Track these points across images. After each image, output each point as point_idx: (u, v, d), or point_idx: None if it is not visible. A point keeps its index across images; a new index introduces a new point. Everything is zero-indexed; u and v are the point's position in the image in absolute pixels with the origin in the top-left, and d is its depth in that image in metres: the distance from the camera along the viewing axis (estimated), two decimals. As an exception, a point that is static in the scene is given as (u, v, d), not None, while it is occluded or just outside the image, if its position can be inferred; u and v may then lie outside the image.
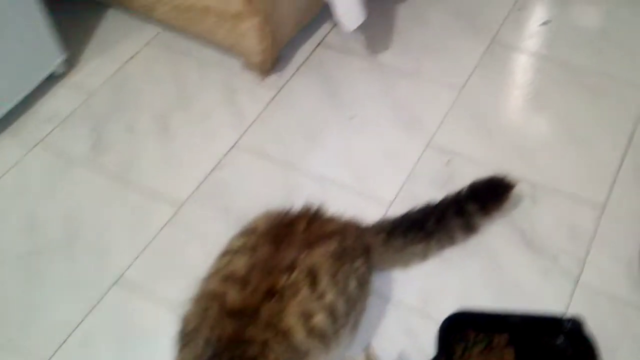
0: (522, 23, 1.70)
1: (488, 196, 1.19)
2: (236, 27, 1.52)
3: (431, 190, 1.32)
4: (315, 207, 1.08)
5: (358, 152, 1.46)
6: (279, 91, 1.60)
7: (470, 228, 1.19)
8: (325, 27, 1.73)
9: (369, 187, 1.38)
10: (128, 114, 1.57)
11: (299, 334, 0.93)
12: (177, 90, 1.61)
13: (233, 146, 1.48)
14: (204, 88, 1.61)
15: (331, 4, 1.45)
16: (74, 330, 1.19)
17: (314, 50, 1.68)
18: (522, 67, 1.60)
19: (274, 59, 1.60)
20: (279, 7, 1.51)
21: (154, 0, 1.62)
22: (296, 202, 1.11)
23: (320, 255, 0.98)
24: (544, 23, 1.69)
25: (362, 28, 1.63)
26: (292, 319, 0.93)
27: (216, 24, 1.55)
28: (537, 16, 1.71)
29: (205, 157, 1.46)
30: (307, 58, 1.67)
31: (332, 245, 1.00)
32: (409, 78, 1.60)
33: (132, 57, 1.70)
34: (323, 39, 1.71)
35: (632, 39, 1.63)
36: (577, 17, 1.70)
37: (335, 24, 1.69)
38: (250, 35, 1.51)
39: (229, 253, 1.03)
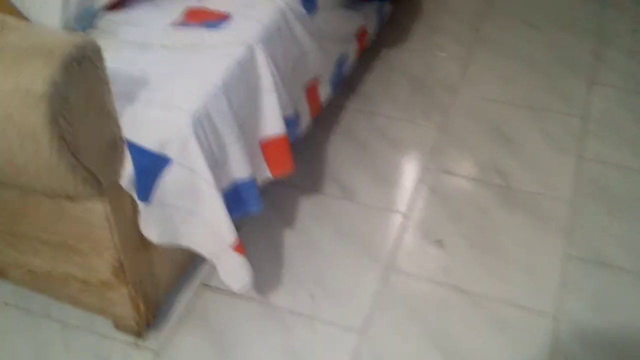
0: (414, 244, 1.63)
1: None
2: (104, 294, 1.33)
3: None
4: None
5: None
6: (158, 356, 1.39)
7: None
8: (207, 267, 1.57)
9: None
10: (-27, 408, 1.30)
11: None
12: (37, 368, 1.37)
13: None
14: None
15: (214, 264, 1.31)
16: None
17: (196, 294, 1.51)
18: (421, 298, 1.50)
19: (150, 319, 1.41)
20: (154, 268, 1.34)
21: (4, 264, 1.41)
22: None
23: None
24: (437, 242, 1.63)
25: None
26: None
27: (81, 290, 1.35)
28: (429, 234, 1.65)
29: None
30: (190, 306, 1.49)
31: None
32: (304, 322, 1.46)
33: (-20, 327, 1.45)
34: (206, 280, 1.55)
35: (528, 255, 1.59)
36: (468, 232, 1.65)
37: (218, 265, 1.54)
38: (121, 302, 1.32)
39: None
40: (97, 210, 1.14)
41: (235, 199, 1.31)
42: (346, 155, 1.88)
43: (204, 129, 1.16)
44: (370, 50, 2.21)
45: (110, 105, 1.07)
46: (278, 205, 1.73)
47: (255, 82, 1.33)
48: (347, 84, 2.09)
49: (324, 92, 1.74)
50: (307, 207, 1.73)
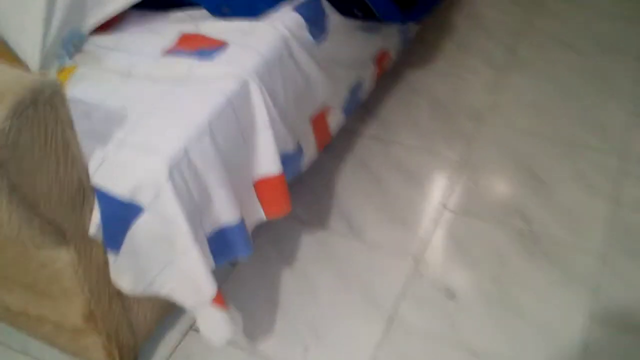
0: (423, 293, 1.49)
1: None
2: (77, 340, 1.24)
3: None
4: None
5: None
6: (135, 405, 1.30)
7: None
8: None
9: None
10: None
11: None
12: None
13: None
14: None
15: (195, 316, 1.20)
16: None
17: (181, 340, 1.41)
18: (426, 357, 1.37)
19: (129, 366, 1.32)
20: (131, 315, 1.24)
21: (-20, 298, 1.33)
22: None
23: None
24: (448, 293, 1.49)
25: (239, 308, 1.40)
26: None
27: (55, 332, 1.26)
28: (440, 283, 1.51)
29: None
30: (172, 350, 1.39)
31: None
32: (295, 377, 1.34)
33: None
34: (190, 323, 1.44)
35: (547, 312, 1.44)
36: (483, 283, 1.50)
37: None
38: (94, 349, 1.23)
39: None
40: (62, 258, 1.05)
41: (221, 243, 1.20)
42: (357, 187, 1.76)
43: (183, 174, 1.05)
44: (392, 69, 2.07)
45: (76, 149, 0.97)
46: (277, 239, 1.61)
47: (248, 118, 1.21)
48: (363, 106, 1.96)
49: (335, 120, 1.62)
50: (309, 244, 1.61)
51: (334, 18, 1.47)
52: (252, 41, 1.27)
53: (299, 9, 1.37)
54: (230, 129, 1.16)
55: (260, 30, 1.30)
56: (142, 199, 1.02)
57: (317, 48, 1.40)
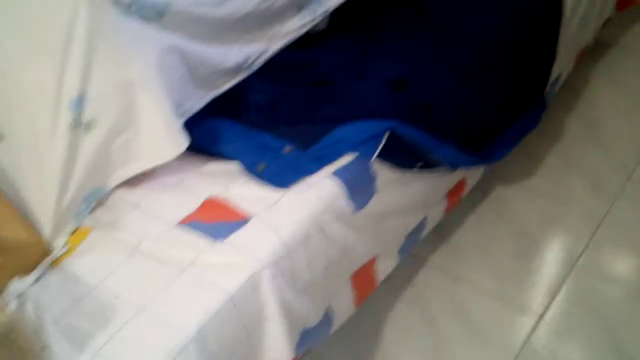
0: None
1: None
2: None
3: None
4: None
5: None
6: None
7: None
8: None
9: None
10: None
11: None
12: None
13: None
14: None
15: None
16: None
17: None
18: None
19: None
20: None
21: None
22: None
23: None
24: None
25: None
26: None
27: None
28: None
29: None
30: None
31: None
32: None
33: None
34: None
35: None
36: None
37: None
38: None
39: None
40: None
41: None
42: (405, 335, 1.57)
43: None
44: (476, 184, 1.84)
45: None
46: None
47: (254, 311, 1.09)
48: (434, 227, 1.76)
49: (385, 267, 1.45)
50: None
51: (386, 175, 1.30)
52: (275, 219, 1.14)
53: (340, 174, 1.22)
54: (228, 329, 1.05)
55: (288, 203, 1.17)
56: None
57: (358, 215, 1.25)
